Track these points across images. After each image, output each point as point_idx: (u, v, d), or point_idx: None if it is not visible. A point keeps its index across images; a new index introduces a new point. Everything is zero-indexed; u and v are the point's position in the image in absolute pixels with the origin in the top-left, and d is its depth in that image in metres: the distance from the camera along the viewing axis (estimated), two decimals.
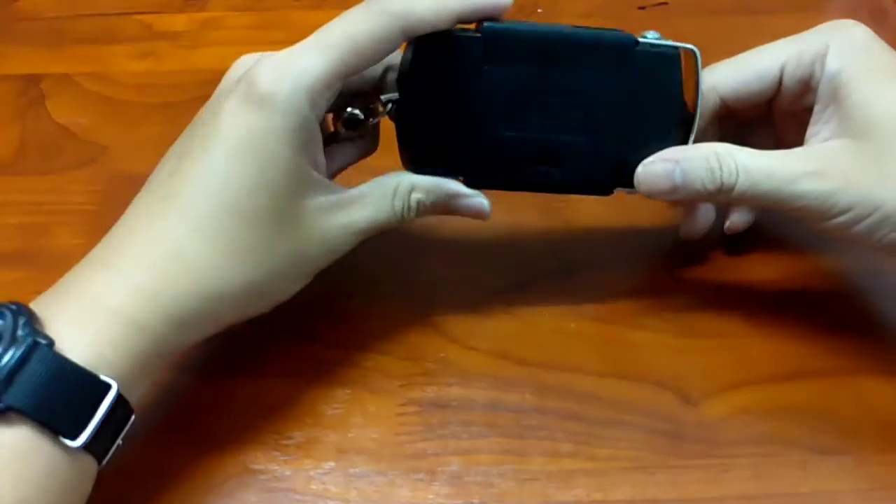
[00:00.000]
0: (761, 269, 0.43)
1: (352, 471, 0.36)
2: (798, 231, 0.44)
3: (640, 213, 0.45)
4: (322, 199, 0.34)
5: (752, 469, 0.36)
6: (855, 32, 0.37)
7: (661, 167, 0.37)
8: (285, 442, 0.37)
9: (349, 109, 0.36)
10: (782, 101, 0.39)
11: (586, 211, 0.45)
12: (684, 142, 0.38)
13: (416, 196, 0.36)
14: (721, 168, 0.35)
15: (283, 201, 0.33)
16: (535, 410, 0.38)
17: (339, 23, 0.34)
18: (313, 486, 0.35)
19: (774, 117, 0.41)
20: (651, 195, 0.37)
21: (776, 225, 0.44)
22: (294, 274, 0.35)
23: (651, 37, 0.37)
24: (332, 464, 0.36)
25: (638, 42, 0.36)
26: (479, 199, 0.37)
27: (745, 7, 0.57)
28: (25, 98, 0.51)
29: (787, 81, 0.38)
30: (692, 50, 0.37)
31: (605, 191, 0.38)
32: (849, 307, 0.42)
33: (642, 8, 0.56)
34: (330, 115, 0.37)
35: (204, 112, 0.35)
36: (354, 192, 0.36)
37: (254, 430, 0.37)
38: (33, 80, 0.52)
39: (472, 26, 0.36)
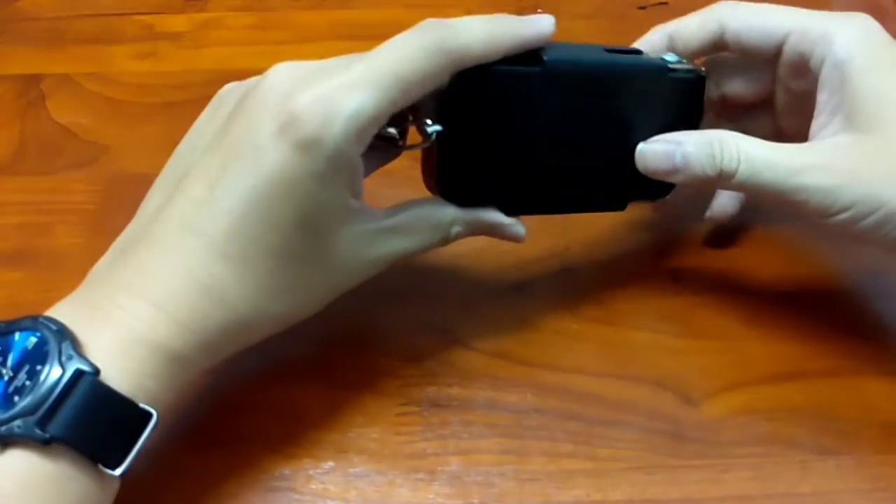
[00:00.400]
0: (761, 270, 0.43)
1: (351, 470, 0.36)
2: (799, 231, 0.44)
3: (640, 214, 0.45)
4: (359, 229, 0.33)
5: (751, 469, 0.36)
6: (865, 24, 0.37)
7: (663, 148, 0.37)
8: (284, 441, 0.37)
9: (387, 128, 0.34)
10: (782, 70, 0.39)
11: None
12: None
13: (456, 229, 0.36)
14: (722, 154, 0.35)
15: (322, 241, 0.32)
16: (535, 410, 0.38)
17: (389, 56, 0.31)
18: (313, 486, 0.35)
19: (775, 102, 0.40)
20: (650, 174, 0.37)
21: (776, 225, 0.44)
22: (322, 302, 0.34)
23: (670, 59, 0.38)
24: (331, 463, 0.36)
25: (670, 69, 0.38)
26: (517, 227, 0.37)
27: None
28: (25, 98, 0.51)
29: (787, 50, 0.38)
30: (702, 74, 0.39)
31: (621, 206, 0.39)
32: (849, 307, 0.42)
33: (642, 8, 0.56)
34: None
35: (238, 126, 0.32)
36: (392, 221, 0.34)
37: (253, 429, 0.37)
38: (33, 80, 0.52)
39: None
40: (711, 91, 0.41)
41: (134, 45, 0.54)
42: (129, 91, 0.51)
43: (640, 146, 0.37)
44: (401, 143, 0.35)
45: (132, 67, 0.52)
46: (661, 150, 0.37)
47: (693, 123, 0.39)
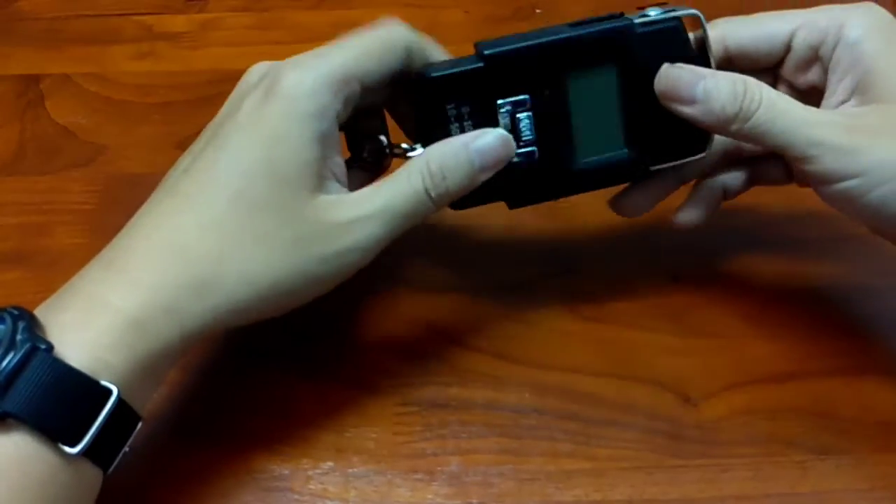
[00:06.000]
0: (761, 270, 0.43)
1: (350, 471, 0.36)
2: (799, 232, 0.44)
3: None
4: (334, 196, 0.33)
5: (751, 469, 0.36)
6: (874, 9, 0.36)
7: (688, 74, 0.35)
8: (283, 441, 0.37)
9: (379, 137, 0.37)
10: (787, 70, 0.38)
11: (586, 210, 0.45)
12: None
13: (434, 164, 0.34)
14: (745, 93, 0.34)
15: (291, 189, 0.32)
16: (534, 410, 0.38)
17: (354, 35, 0.35)
18: (311, 486, 0.35)
19: None
20: (667, 98, 0.35)
21: (776, 225, 0.44)
22: (296, 273, 0.32)
23: (654, 13, 0.36)
24: (330, 464, 0.36)
25: (634, 24, 0.36)
26: (492, 133, 0.35)
27: (745, 8, 0.57)
28: (25, 98, 0.51)
29: (796, 47, 0.37)
30: (696, 14, 0.36)
31: (645, 169, 0.37)
32: (848, 307, 0.42)
33: (641, 9, 0.56)
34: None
35: (221, 112, 0.35)
36: (369, 187, 0.34)
37: (251, 429, 0.37)
38: (33, 80, 0.52)
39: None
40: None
41: (133, 45, 0.54)
42: (128, 91, 0.51)
43: (665, 67, 0.35)
44: (389, 155, 0.37)
45: (131, 67, 0.52)
46: (685, 75, 0.35)
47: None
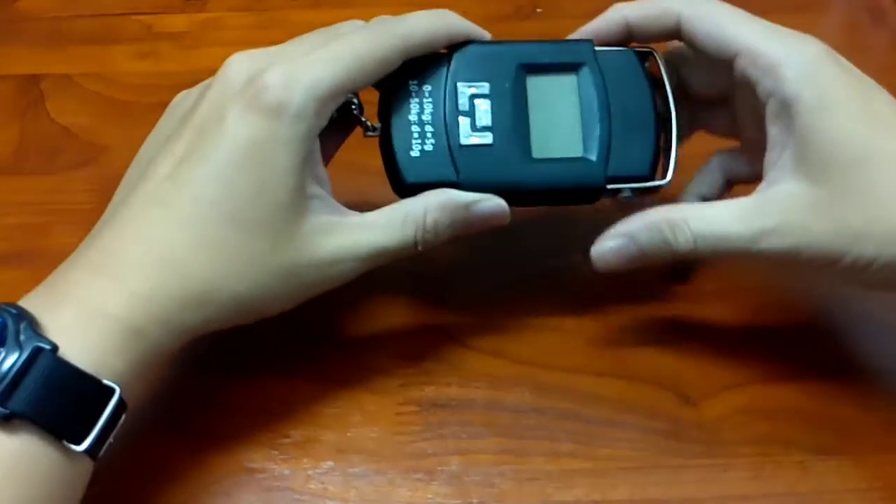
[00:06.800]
0: (762, 270, 0.43)
1: (350, 470, 0.36)
2: None
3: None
4: (324, 219, 0.34)
5: (750, 469, 0.36)
6: (816, 53, 0.35)
7: (614, 244, 0.36)
8: (283, 441, 0.37)
9: (352, 98, 0.37)
10: (737, 85, 0.37)
11: (585, 209, 0.44)
12: (667, 133, 0.38)
13: (431, 217, 0.35)
14: (676, 237, 0.35)
15: (282, 213, 0.33)
16: (534, 410, 0.38)
17: (346, 38, 0.34)
18: (312, 486, 0.35)
19: (735, 105, 0.39)
20: (613, 272, 0.36)
21: None
22: (284, 293, 0.34)
23: (616, 47, 0.38)
24: (330, 463, 0.36)
25: (594, 45, 0.38)
26: (494, 200, 0.36)
27: (744, 7, 0.57)
28: (25, 98, 0.51)
29: (736, 69, 0.36)
30: (651, 51, 0.38)
31: (595, 191, 0.38)
32: (848, 307, 0.42)
33: None
34: None
35: (203, 111, 0.34)
36: (360, 217, 0.35)
37: (251, 428, 0.37)
38: (33, 80, 0.52)
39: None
40: (671, 77, 0.39)
41: (134, 45, 0.54)
42: (129, 91, 0.51)
43: (592, 249, 0.36)
44: (356, 108, 0.37)
45: (132, 67, 0.52)
46: (613, 247, 0.36)
47: (643, 99, 0.38)
